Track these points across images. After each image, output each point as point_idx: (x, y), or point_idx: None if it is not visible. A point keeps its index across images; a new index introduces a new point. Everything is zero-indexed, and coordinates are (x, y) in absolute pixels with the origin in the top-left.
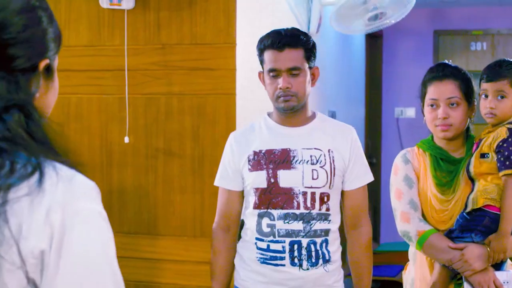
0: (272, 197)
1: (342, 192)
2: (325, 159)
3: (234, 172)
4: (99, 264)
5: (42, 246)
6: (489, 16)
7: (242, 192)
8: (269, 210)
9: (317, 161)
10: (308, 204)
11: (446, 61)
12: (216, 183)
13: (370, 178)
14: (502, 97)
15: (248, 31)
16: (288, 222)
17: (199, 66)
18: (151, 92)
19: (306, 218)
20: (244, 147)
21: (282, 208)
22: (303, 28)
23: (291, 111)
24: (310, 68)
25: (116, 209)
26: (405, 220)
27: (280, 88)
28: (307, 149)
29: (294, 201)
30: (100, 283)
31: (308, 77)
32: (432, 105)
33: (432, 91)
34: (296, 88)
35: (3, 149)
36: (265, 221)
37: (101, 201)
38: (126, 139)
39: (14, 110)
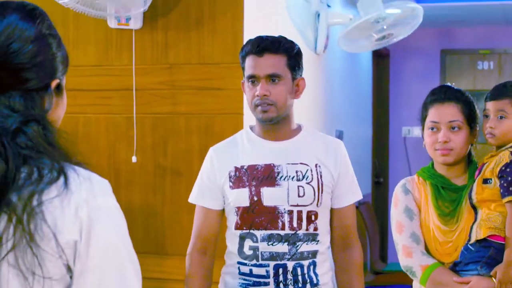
0: (255, 217)
1: (331, 210)
2: (312, 175)
3: (213, 189)
4: (119, 248)
5: (75, 237)
6: (496, 35)
7: (222, 211)
8: (251, 231)
9: (304, 177)
10: (294, 224)
11: (449, 84)
12: (192, 200)
13: (359, 195)
14: (502, 117)
15: None
16: (272, 244)
17: (206, 85)
18: (159, 111)
19: (291, 240)
20: (225, 162)
21: (265, 229)
22: (310, 48)
23: (271, 122)
24: (294, 78)
25: None
26: (407, 255)
27: (257, 96)
28: (292, 164)
29: (279, 221)
30: (121, 263)
31: (290, 86)
32: (432, 128)
33: (433, 113)
34: (275, 97)
35: (29, 157)
36: (248, 242)
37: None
38: (134, 159)
39: (32, 123)
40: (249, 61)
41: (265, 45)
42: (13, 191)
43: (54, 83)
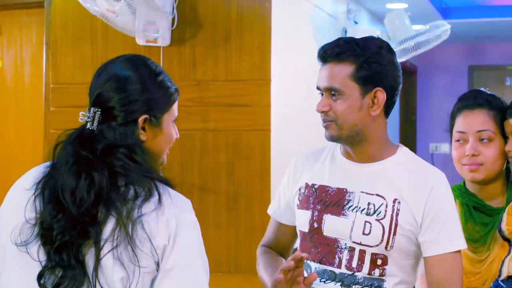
0: (312, 246)
1: (424, 260)
2: (385, 211)
3: (287, 204)
4: (195, 253)
5: (164, 242)
6: None
7: (295, 228)
8: (307, 261)
9: (375, 212)
10: (353, 264)
11: (482, 88)
12: (268, 210)
13: (459, 244)
14: None
15: (283, 67)
16: (324, 282)
17: (234, 102)
18: (187, 128)
19: (346, 281)
20: (299, 175)
21: (320, 262)
22: None
23: (336, 142)
24: (365, 92)
25: None
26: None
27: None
28: (366, 194)
29: (336, 256)
30: (196, 265)
31: (357, 102)
32: (459, 140)
33: (460, 122)
34: (335, 113)
35: (122, 175)
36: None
37: None
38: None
39: (122, 149)
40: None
41: (329, 51)
42: (119, 201)
43: (141, 119)
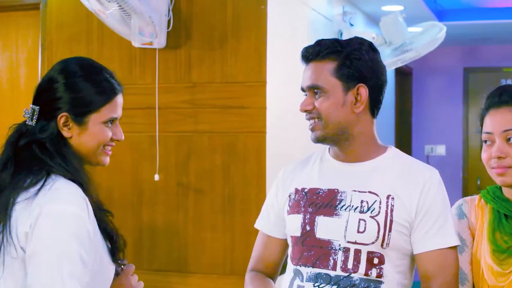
0: (304, 250)
1: (415, 258)
2: (379, 207)
3: (277, 215)
4: (52, 243)
5: (26, 229)
6: None
7: (286, 241)
8: (299, 267)
9: (368, 209)
10: (349, 265)
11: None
12: (256, 224)
13: (450, 241)
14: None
15: (279, 70)
16: (318, 286)
17: (229, 104)
18: (182, 130)
19: (342, 284)
20: (288, 183)
21: (313, 266)
22: None
23: (323, 142)
24: (348, 88)
25: (147, 246)
26: None
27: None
28: (359, 192)
29: (331, 258)
30: (50, 252)
31: (340, 99)
32: (486, 141)
33: (487, 122)
34: (318, 111)
35: (24, 166)
36: (296, 281)
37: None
38: (156, 177)
39: (35, 144)
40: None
41: (311, 50)
42: (9, 189)
43: (60, 116)
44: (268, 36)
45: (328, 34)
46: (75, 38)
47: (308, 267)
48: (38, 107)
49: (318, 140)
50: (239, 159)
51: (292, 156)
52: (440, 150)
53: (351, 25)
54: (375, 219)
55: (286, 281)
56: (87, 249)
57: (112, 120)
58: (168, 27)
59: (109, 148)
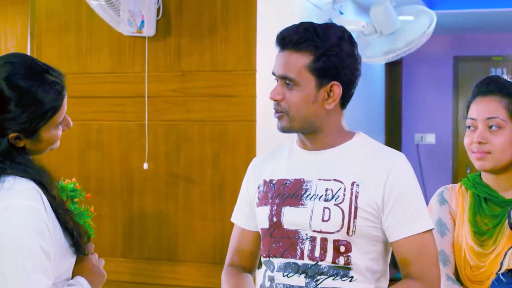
0: (273, 242)
1: (392, 246)
2: (344, 195)
3: (249, 208)
4: (6, 239)
5: None
6: (509, 42)
7: (259, 233)
8: (270, 259)
9: (333, 197)
10: (316, 254)
11: (501, 74)
12: (231, 218)
13: (424, 225)
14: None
15: (268, 58)
16: (287, 276)
17: (219, 93)
18: (171, 119)
19: (310, 272)
20: (257, 175)
21: (282, 256)
22: None
23: (289, 132)
24: (321, 85)
25: (137, 235)
26: None
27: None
28: (324, 180)
29: (298, 248)
30: (11, 253)
31: (311, 94)
32: (469, 127)
33: (473, 109)
34: (287, 104)
35: None
36: (267, 272)
37: (40, 199)
38: (145, 166)
39: None
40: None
41: (287, 38)
42: None
43: (10, 137)
44: (258, 25)
45: (318, 21)
46: (64, 27)
47: (277, 257)
48: None
49: (284, 130)
50: (229, 147)
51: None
52: (430, 139)
53: (341, 13)
54: (339, 207)
55: (260, 273)
56: (48, 241)
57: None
58: (158, 15)
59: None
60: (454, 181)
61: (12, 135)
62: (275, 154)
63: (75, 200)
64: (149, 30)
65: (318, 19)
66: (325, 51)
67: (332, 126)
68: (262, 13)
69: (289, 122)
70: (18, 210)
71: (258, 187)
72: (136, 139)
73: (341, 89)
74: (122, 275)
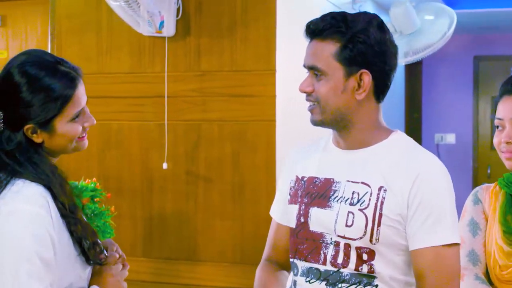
0: (299, 243)
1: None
2: (369, 200)
3: (284, 202)
4: (7, 240)
5: None
6: None
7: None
8: (294, 260)
9: (358, 201)
10: (338, 260)
11: None
12: (270, 211)
13: (447, 238)
14: None
15: (288, 57)
16: (309, 281)
17: (239, 92)
18: (191, 118)
19: (331, 279)
20: (291, 169)
21: (305, 260)
22: None
23: (321, 126)
24: (349, 74)
25: (157, 235)
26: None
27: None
28: (352, 182)
29: (321, 252)
30: (11, 257)
31: (340, 84)
32: (498, 127)
33: (500, 109)
34: (317, 94)
35: None
36: (291, 275)
37: (46, 204)
38: (165, 165)
39: (1, 153)
40: None
41: (313, 26)
42: None
43: (25, 128)
44: (277, 24)
45: None
46: (85, 27)
47: (301, 260)
48: (2, 114)
49: (316, 123)
50: (249, 147)
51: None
52: (450, 138)
53: None
54: (363, 213)
55: (290, 275)
56: (48, 248)
57: (79, 112)
58: (177, 15)
59: (84, 133)
60: (475, 181)
61: (27, 126)
62: (311, 149)
63: (95, 199)
64: (169, 30)
65: None
66: (352, 37)
67: (366, 121)
68: (281, 12)
69: (320, 114)
70: (21, 215)
71: (291, 183)
72: (155, 139)
73: (371, 78)
74: (142, 275)
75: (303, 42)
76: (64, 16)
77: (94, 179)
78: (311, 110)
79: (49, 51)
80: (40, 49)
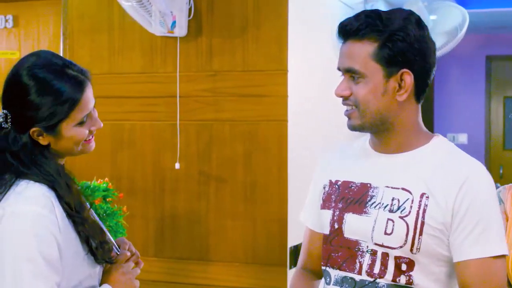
0: (332, 250)
1: (454, 266)
2: (411, 207)
3: (316, 207)
4: (11, 242)
5: None
6: None
7: None
8: (327, 268)
9: (399, 208)
10: (375, 270)
11: None
12: (300, 216)
13: (495, 249)
14: None
15: (300, 58)
16: None
17: (251, 92)
18: (203, 118)
19: None
20: (323, 172)
21: (340, 268)
22: None
23: (360, 131)
24: (389, 74)
25: (168, 234)
26: None
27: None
28: (391, 188)
29: (357, 261)
30: (13, 256)
31: (380, 85)
32: None
33: None
34: (356, 98)
35: None
36: (322, 284)
37: (51, 205)
38: (177, 165)
39: (8, 152)
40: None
41: (348, 27)
42: None
43: (31, 131)
44: (289, 24)
45: None
46: (97, 27)
47: (335, 269)
48: (10, 115)
49: (354, 128)
50: (261, 147)
51: (314, 144)
52: (462, 138)
53: None
54: (404, 220)
55: (321, 284)
56: (52, 247)
57: (86, 116)
58: (189, 15)
59: (90, 136)
60: None
61: (33, 129)
62: (345, 152)
63: (107, 199)
64: (181, 30)
65: None
66: (390, 35)
67: (407, 124)
68: (293, 12)
69: (360, 118)
70: (23, 216)
71: (324, 187)
72: (168, 139)
73: (413, 77)
74: (153, 275)
75: (315, 41)
76: (76, 16)
77: (106, 179)
78: (348, 114)
79: (61, 52)
80: (49, 50)
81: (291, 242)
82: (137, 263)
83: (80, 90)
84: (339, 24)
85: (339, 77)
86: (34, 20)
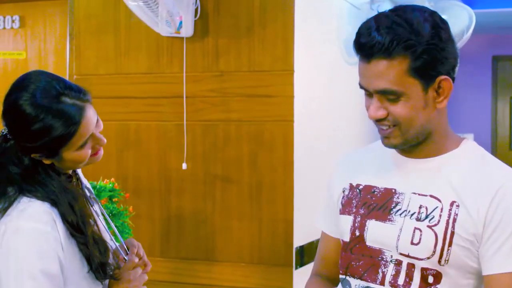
0: (353, 259)
1: (484, 280)
2: (440, 216)
3: (333, 211)
4: (15, 259)
5: None
6: None
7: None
8: (347, 277)
9: (427, 217)
10: (399, 281)
11: None
12: (314, 220)
13: None
14: None
15: (306, 58)
16: None
17: (257, 93)
18: (209, 119)
19: None
20: (343, 176)
21: (361, 278)
22: None
23: (400, 148)
24: (427, 86)
25: (174, 235)
26: None
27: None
28: (418, 195)
29: (380, 271)
30: (16, 271)
31: (421, 100)
32: None
33: None
34: (396, 118)
35: (1, 187)
36: None
37: (53, 222)
38: (184, 166)
39: (11, 168)
40: (358, 63)
41: (372, 45)
42: None
43: (34, 155)
44: (296, 25)
45: (355, 22)
46: (103, 27)
47: (356, 278)
48: (13, 140)
49: (395, 147)
50: (266, 148)
51: (320, 145)
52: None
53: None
54: (433, 230)
55: None
56: (54, 264)
57: (87, 139)
58: (196, 16)
59: (95, 151)
60: None
61: (34, 155)
62: (366, 154)
63: (113, 200)
64: (187, 30)
65: (356, 19)
66: (425, 49)
67: (442, 128)
68: (300, 13)
69: (401, 137)
70: (25, 233)
71: (343, 191)
72: (174, 139)
73: (451, 82)
74: (159, 275)
75: (321, 42)
76: (83, 16)
77: (113, 179)
78: (387, 134)
79: (67, 52)
80: (45, 73)
81: (297, 243)
82: (145, 265)
83: (78, 118)
84: (361, 41)
85: (362, 94)
86: (40, 21)
